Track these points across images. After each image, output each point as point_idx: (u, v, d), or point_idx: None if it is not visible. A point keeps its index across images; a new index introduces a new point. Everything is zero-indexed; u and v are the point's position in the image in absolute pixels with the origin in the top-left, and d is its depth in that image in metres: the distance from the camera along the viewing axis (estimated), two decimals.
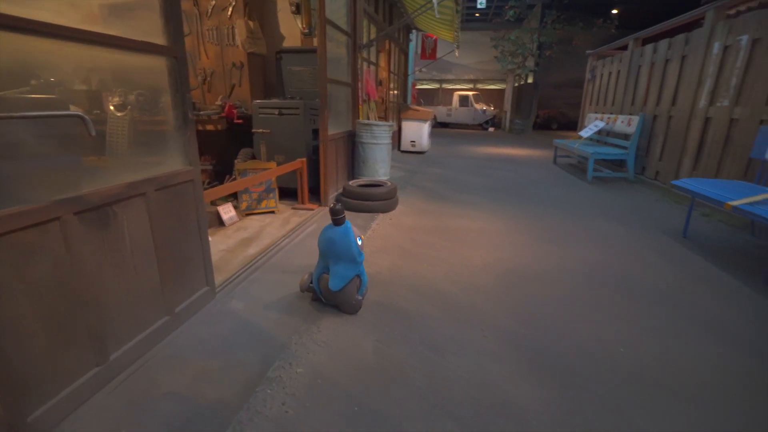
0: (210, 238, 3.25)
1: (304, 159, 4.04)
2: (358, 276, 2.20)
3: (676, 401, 1.60)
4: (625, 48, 7.06)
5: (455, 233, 3.62)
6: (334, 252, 2.12)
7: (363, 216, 4.04)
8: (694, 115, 4.88)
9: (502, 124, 19.27)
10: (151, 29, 1.77)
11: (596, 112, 8.06)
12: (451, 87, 21.96)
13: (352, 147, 4.91)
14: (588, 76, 8.83)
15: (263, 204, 4.00)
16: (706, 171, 4.54)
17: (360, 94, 5.11)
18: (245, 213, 3.93)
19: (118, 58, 1.65)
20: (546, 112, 19.12)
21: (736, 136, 4.12)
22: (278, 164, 4.00)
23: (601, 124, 6.92)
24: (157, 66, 1.82)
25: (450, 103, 19.54)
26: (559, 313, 2.26)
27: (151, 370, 1.70)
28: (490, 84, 21.98)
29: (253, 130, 4.22)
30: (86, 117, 1.41)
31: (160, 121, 1.89)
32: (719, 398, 1.62)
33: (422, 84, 22.00)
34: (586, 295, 2.48)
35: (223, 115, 4.27)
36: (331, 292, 2.14)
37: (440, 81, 22.52)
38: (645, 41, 6.44)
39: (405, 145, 9.16)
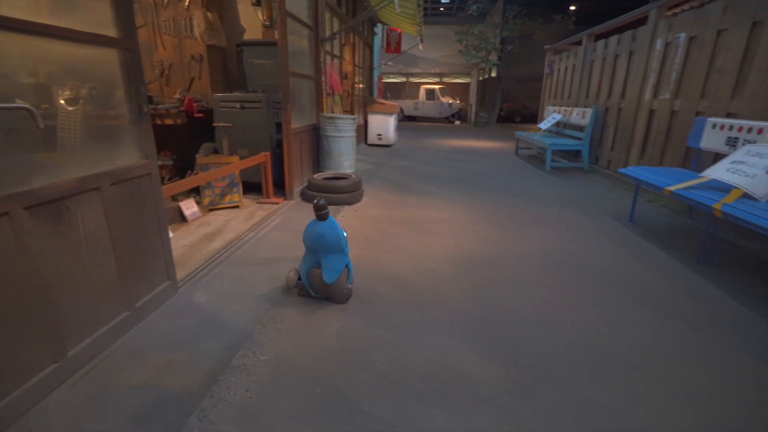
0: (172, 234, 3.21)
1: (268, 153, 4.02)
2: (347, 266, 2.26)
3: (613, 368, 1.76)
4: (580, 43, 7.37)
5: (418, 223, 3.73)
6: (324, 246, 2.17)
7: (329, 209, 4.07)
8: (640, 107, 5.20)
9: (468, 117, 19.64)
10: (101, 20, 1.74)
11: (554, 105, 8.38)
12: (418, 80, 22.13)
13: (317, 140, 4.92)
14: (546, 70, 9.16)
15: (227, 199, 3.97)
16: (652, 160, 4.86)
17: (324, 88, 5.11)
18: (209, 208, 3.89)
19: (67, 51, 1.62)
20: (510, 105, 19.63)
21: (676, 126, 4.43)
22: (241, 158, 3.98)
23: (558, 117, 7.22)
24: (108, 58, 1.79)
25: (417, 97, 19.72)
26: (511, 294, 2.40)
27: (112, 365, 1.70)
28: (456, 78, 22.30)
29: (215, 124, 4.16)
30: (33, 109, 1.39)
31: (114, 114, 1.87)
32: (651, 364, 1.80)
33: (389, 77, 22.06)
34: (538, 277, 2.63)
35: (182, 108, 4.18)
36: (324, 285, 2.17)
37: (407, 74, 22.64)
38: (598, 37, 6.75)
39: (372, 138, 9.21)
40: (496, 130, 15.23)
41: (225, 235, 3.28)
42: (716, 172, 2.93)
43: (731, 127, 3.28)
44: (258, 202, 4.17)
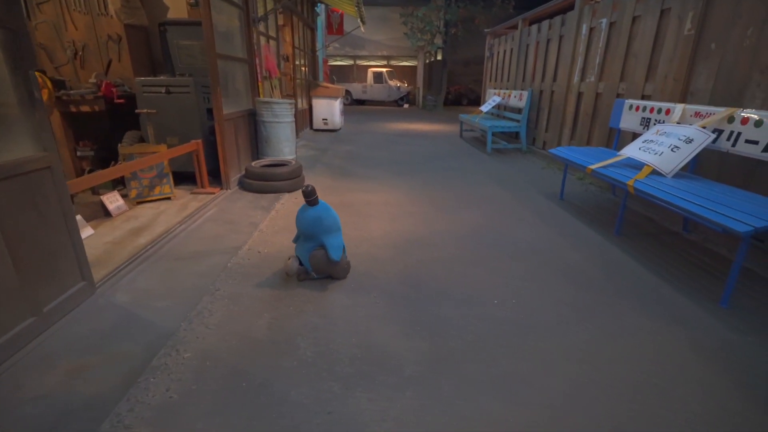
0: (92, 231, 3.00)
1: (200, 140, 3.83)
2: None
3: (534, 339, 1.87)
4: (517, 27, 7.58)
5: (358, 207, 3.72)
6: (324, 227, 2.26)
7: (267, 197, 3.97)
8: (570, 90, 5.46)
9: (416, 101, 19.74)
10: None
11: (494, 88, 8.62)
12: (366, 63, 21.83)
13: (255, 126, 4.74)
14: (487, 53, 9.36)
15: (157, 190, 3.74)
16: (581, 140, 5.15)
17: (259, 71, 4.91)
18: (137, 201, 3.65)
19: None
20: (456, 89, 19.93)
21: (600, 108, 4.71)
22: (171, 147, 3.75)
23: (498, 99, 7.44)
24: None
25: (365, 80, 19.49)
26: (443, 274, 2.47)
27: (16, 375, 1.57)
28: (403, 60, 22.23)
29: (137, 111, 3.88)
30: None
31: None
32: (566, 331, 1.93)
33: (335, 60, 21.58)
34: (470, 256, 2.73)
35: (99, 94, 3.85)
36: (328, 264, 2.29)
37: (354, 57, 22.25)
38: (532, 21, 6.97)
39: (317, 123, 9.03)
40: (443, 113, 15.45)
41: (153, 229, 3.10)
42: (630, 150, 3.15)
43: (644, 108, 3.53)
44: (192, 193, 3.97)
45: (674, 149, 2.81)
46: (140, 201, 3.67)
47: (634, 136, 4.01)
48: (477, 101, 19.02)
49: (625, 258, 2.73)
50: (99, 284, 2.21)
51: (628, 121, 3.76)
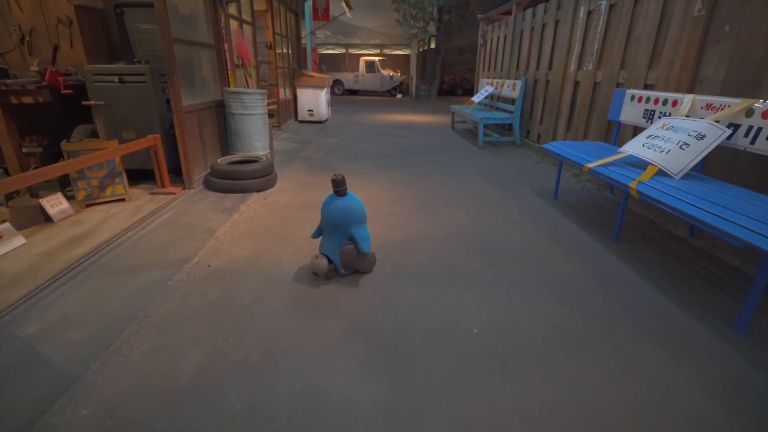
0: (24, 240, 2.64)
1: (158, 135, 3.46)
2: None
3: (512, 380, 1.55)
4: (511, 12, 7.17)
5: None
6: (355, 218, 2.13)
7: (233, 197, 3.62)
8: (566, 79, 5.10)
9: (410, 91, 19.27)
10: None
11: (488, 77, 8.23)
12: (358, 52, 21.29)
13: (225, 119, 4.36)
14: (480, 40, 8.95)
15: (108, 191, 3.38)
16: (577, 133, 4.80)
17: (229, 58, 4.51)
18: (86, 204, 3.29)
19: None
20: (451, 78, 19.46)
21: (598, 99, 4.35)
22: (126, 142, 3.38)
23: (490, 89, 7.06)
24: None
25: (357, 70, 18.99)
26: (413, 292, 2.14)
27: None
28: (396, 49, 21.69)
29: (84, 102, 3.49)
30: None
31: None
32: (552, 365, 1.60)
33: (326, 49, 21.02)
34: (447, 267, 2.39)
35: (44, 84, 3.46)
36: (357, 258, 2.20)
37: (346, 46, 21.68)
38: (528, 6, 6.57)
39: (302, 114, 8.63)
40: (437, 103, 15.04)
41: (96, 236, 2.75)
42: (633, 147, 2.81)
43: (648, 99, 3.19)
44: (151, 193, 3.61)
45: (683, 146, 2.47)
46: (89, 203, 3.30)
47: (636, 130, 3.68)
48: (472, 91, 18.57)
49: (625, 270, 2.41)
50: (6, 311, 1.86)
51: (630, 113, 3.41)
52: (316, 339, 1.76)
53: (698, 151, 2.40)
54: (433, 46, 16.61)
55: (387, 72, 18.25)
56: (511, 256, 2.58)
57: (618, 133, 3.67)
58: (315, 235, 2.32)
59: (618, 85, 4.01)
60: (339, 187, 2.09)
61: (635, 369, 1.61)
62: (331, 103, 10.02)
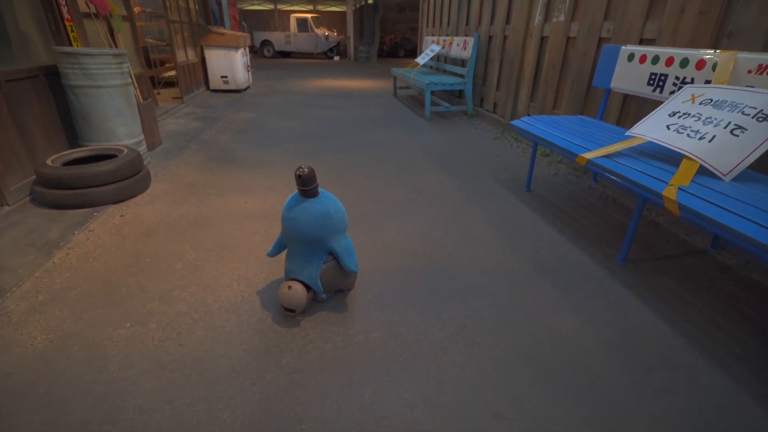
0: None
1: None
2: None
3: None
4: None
5: (219, 227, 2.27)
6: (334, 227, 1.52)
7: (71, 216, 2.37)
8: (529, 34, 4.17)
9: (348, 52, 17.67)
10: None
11: (433, 35, 7.15)
12: (288, 8, 19.09)
13: (64, 96, 2.96)
14: None
15: None
16: (544, 103, 3.94)
17: (66, 3, 3.06)
18: None
19: None
20: (392, 38, 18.04)
21: (572, 58, 3.47)
22: None
23: (437, 49, 6.00)
24: None
25: (288, 29, 16.98)
26: (313, 396, 1.16)
27: None
28: (331, 5, 19.72)
29: None
30: None
31: None
32: None
33: (250, 5, 18.61)
34: (376, 337, 1.43)
35: None
36: (341, 277, 1.63)
37: (274, 2, 19.35)
38: None
39: (215, 82, 7.11)
40: (377, 66, 13.72)
41: None
42: (653, 130, 1.94)
43: (656, 59, 2.32)
44: None
45: (735, 131, 1.63)
46: None
47: (628, 99, 2.84)
48: (415, 52, 17.36)
49: (652, 323, 1.58)
50: None
51: (626, 78, 2.55)
52: None
53: (762, 139, 1.57)
54: (370, 1, 15.04)
55: (322, 31, 16.47)
56: (483, 312, 1.65)
57: (606, 104, 2.82)
58: (272, 253, 1.68)
59: (601, 40, 3.13)
60: (307, 186, 1.47)
61: None
62: (256, 68, 8.49)
